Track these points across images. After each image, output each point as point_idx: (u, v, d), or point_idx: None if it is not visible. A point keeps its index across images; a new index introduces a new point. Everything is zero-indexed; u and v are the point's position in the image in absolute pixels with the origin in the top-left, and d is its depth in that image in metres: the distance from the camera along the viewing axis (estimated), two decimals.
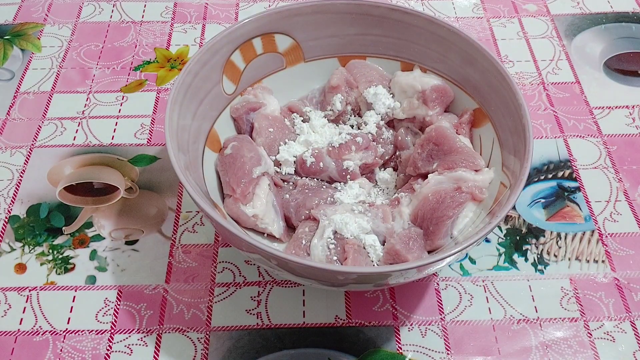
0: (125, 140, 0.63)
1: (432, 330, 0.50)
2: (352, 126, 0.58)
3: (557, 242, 0.55)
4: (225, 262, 0.54)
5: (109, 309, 0.51)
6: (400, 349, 0.49)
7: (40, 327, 0.50)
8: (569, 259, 0.54)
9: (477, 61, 0.53)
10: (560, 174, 0.60)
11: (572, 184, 0.60)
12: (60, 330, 0.49)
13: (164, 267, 0.53)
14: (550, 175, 0.60)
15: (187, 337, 0.49)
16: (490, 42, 0.73)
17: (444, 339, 0.49)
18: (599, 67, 0.71)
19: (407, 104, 0.56)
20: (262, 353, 0.48)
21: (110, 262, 0.54)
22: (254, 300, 0.51)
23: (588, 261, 0.54)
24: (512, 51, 0.72)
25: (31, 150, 0.62)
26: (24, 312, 0.50)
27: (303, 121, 0.58)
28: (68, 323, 0.50)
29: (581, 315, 0.51)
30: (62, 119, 0.64)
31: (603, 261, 0.54)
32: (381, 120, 0.57)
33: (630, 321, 0.50)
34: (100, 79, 0.69)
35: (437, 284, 0.53)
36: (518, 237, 0.56)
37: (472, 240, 0.42)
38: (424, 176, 0.52)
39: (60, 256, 0.54)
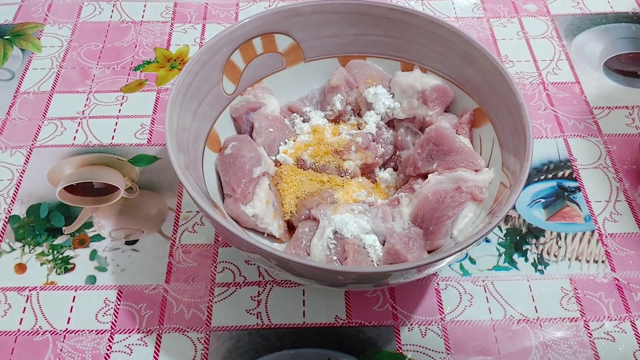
0: (125, 140, 0.63)
1: (432, 330, 0.50)
2: (352, 126, 0.58)
3: (557, 242, 0.55)
4: (225, 262, 0.54)
5: (109, 309, 0.51)
6: (400, 349, 0.49)
7: (40, 327, 0.50)
8: (569, 259, 0.54)
9: (477, 61, 0.53)
10: (560, 173, 0.60)
11: (572, 184, 0.60)
12: (60, 330, 0.49)
13: (164, 267, 0.53)
14: (550, 175, 0.60)
15: (187, 337, 0.49)
16: (490, 42, 0.73)
17: (444, 339, 0.49)
18: (599, 67, 0.71)
19: (407, 104, 0.56)
20: (262, 353, 0.48)
21: (110, 262, 0.54)
22: (254, 300, 0.51)
23: (588, 261, 0.54)
24: (512, 51, 0.72)
25: (31, 150, 0.62)
26: (24, 312, 0.50)
27: (303, 121, 0.58)
28: (68, 323, 0.50)
29: (581, 315, 0.51)
30: (62, 119, 0.64)
31: (603, 261, 0.54)
32: (381, 120, 0.57)
33: (630, 321, 0.50)
34: (100, 79, 0.69)
35: (437, 284, 0.53)
36: (518, 237, 0.56)
37: (472, 240, 0.42)
38: (424, 176, 0.52)
39: (60, 256, 0.54)
